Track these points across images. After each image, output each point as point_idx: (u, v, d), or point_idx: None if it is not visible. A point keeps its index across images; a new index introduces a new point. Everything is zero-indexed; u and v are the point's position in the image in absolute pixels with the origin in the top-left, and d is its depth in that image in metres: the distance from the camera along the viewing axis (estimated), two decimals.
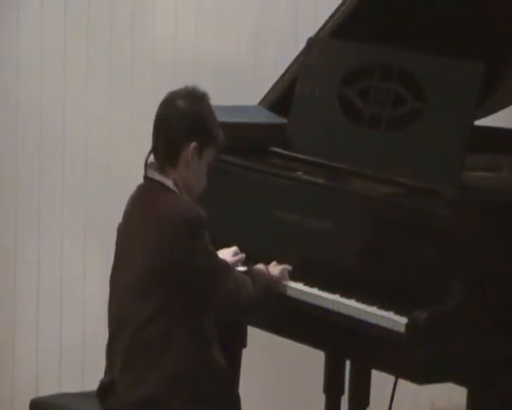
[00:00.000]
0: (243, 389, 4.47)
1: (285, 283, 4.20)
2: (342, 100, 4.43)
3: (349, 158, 4.32)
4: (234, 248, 4.30)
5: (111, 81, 5.73)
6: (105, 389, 4.12)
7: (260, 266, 4.22)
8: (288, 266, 4.27)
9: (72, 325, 4.81)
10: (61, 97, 5.95)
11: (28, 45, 6.05)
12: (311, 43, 4.72)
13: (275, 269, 4.21)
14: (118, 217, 4.26)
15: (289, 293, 4.17)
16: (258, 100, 4.99)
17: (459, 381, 4.02)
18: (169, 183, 4.08)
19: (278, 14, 5.42)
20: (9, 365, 5.53)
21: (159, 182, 4.11)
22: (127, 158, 4.52)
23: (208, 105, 4.13)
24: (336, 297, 4.05)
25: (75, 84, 6.11)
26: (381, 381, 4.47)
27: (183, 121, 4.08)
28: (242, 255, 4.31)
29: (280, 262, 4.26)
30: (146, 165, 4.15)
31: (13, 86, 5.93)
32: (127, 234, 4.19)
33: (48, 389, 4.36)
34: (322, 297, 4.10)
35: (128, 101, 5.20)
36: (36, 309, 5.37)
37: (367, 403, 4.62)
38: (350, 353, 4.49)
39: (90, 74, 5.99)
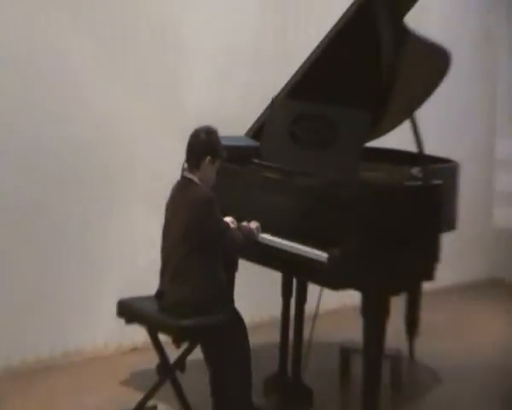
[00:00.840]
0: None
1: (259, 233, 4.40)
2: (290, 133, 4.61)
3: (294, 164, 4.54)
4: (231, 218, 4.45)
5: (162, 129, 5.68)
6: (159, 294, 4.37)
7: (245, 224, 4.43)
8: (258, 224, 4.44)
9: (142, 255, 4.81)
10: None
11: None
12: (274, 100, 4.87)
13: (252, 225, 4.41)
14: (165, 199, 4.46)
15: (261, 240, 4.39)
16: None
17: (357, 287, 4.28)
18: (195, 179, 4.31)
19: (261, 83, 5.57)
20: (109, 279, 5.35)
21: (189, 179, 4.34)
22: (170, 167, 4.56)
23: (217, 137, 4.37)
24: (288, 242, 4.30)
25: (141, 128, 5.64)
26: (313, 288, 4.62)
27: (202, 146, 4.32)
28: (235, 226, 4.44)
29: (258, 221, 4.45)
30: (182, 169, 4.38)
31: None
32: (172, 208, 4.41)
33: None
34: (280, 242, 4.34)
35: (170, 136, 5.07)
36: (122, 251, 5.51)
37: (305, 301, 4.82)
38: (295, 273, 4.73)
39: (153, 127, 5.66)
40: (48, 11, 5.19)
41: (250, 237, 4.44)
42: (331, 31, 4.74)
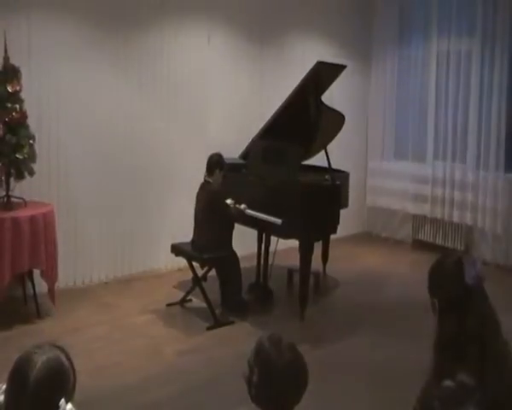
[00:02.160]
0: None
1: (246, 210, 4.28)
2: (261, 156, 4.46)
3: (263, 173, 4.40)
4: (230, 199, 4.26)
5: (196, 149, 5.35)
6: (192, 241, 4.32)
7: (238, 205, 4.27)
8: (246, 205, 4.30)
9: (184, 220, 4.69)
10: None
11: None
12: (253, 139, 4.72)
13: (243, 206, 4.28)
14: (195, 191, 4.37)
15: (247, 212, 4.28)
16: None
17: (296, 238, 4.19)
18: (211, 181, 4.26)
19: (248, 125, 5.14)
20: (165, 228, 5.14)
21: (208, 181, 4.29)
22: (197, 174, 4.42)
23: (223, 158, 4.28)
24: (260, 213, 4.24)
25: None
26: (273, 239, 4.51)
27: (215, 163, 4.24)
28: (233, 205, 4.29)
29: (245, 203, 4.31)
30: (204, 176, 4.31)
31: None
32: (199, 196, 4.33)
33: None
34: (256, 213, 4.26)
35: (198, 157, 4.94)
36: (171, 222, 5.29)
37: (269, 245, 4.58)
38: (264, 230, 4.62)
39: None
40: (118, 83, 4.90)
41: (240, 211, 4.35)
42: (284, 101, 4.60)
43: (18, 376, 1.32)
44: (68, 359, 1.40)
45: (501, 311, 1.97)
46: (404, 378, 3.16)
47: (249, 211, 4.35)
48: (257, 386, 1.50)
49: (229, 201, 4.37)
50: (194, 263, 4.32)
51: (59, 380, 1.35)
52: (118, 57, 4.87)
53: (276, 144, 4.46)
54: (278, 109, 4.64)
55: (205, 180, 4.34)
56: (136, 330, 3.98)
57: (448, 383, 1.20)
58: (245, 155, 4.84)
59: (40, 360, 1.32)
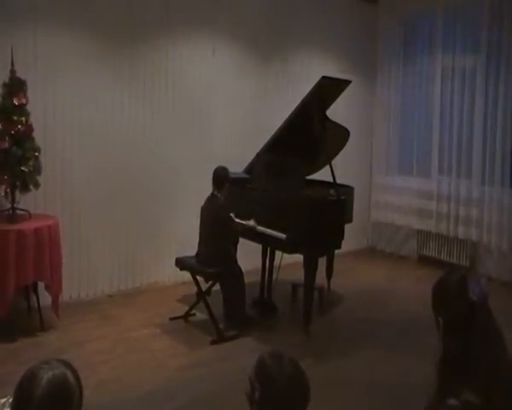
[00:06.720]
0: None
1: (256, 226, 4.23)
2: (265, 170, 4.49)
3: (267, 188, 4.37)
4: (233, 215, 4.25)
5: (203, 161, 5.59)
6: (197, 255, 4.27)
7: (247, 221, 4.27)
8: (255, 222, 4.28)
9: (188, 234, 4.71)
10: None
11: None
12: (258, 153, 4.69)
13: (251, 222, 4.27)
14: (200, 204, 4.35)
15: (257, 229, 4.23)
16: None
17: (301, 253, 4.17)
18: (218, 195, 4.22)
19: (252, 142, 5.18)
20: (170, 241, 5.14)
21: (215, 194, 4.24)
22: (204, 187, 4.41)
23: (228, 172, 4.24)
24: (268, 229, 4.20)
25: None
26: (278, 253, 4.51)
27: (221, 177, 4.20)
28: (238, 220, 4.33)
29: (248, 217, 4.29)
30: (213, 190, 4.24)
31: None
32: (205, 209, 4.30)
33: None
34: (264, 230, 4.21)
35: (204, 171, 4.89)
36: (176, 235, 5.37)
37: (274, 260, 4.68)
38: (268, 245, 4.61)
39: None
40: (130, 100, 4.99)
41: (246, 227, 4.31)
42: (289, 116, 4.58)
43: (23, 391, 1.33)
44: (75, 376, 1.40)
45: (506, 328, 1.97)
46: (407, 396, 3.13)
47: (260, 228, 4.29)
48: (258, 403, 1.49)
49: (233, 216, 4.33)
50: (199, 277, 4.31)
51: (63, 398, 1.34)
52: (123, 70, 4.92)
53: (281, 159, 4.47)
54: (283, 124, 4.65)
55: (212, 194, 4.31)
56: (140, 344, 3.97)
57: (453, 402, 1.18)
58: (249, 170, 4.85)
59: (46, 376, 1.33)
